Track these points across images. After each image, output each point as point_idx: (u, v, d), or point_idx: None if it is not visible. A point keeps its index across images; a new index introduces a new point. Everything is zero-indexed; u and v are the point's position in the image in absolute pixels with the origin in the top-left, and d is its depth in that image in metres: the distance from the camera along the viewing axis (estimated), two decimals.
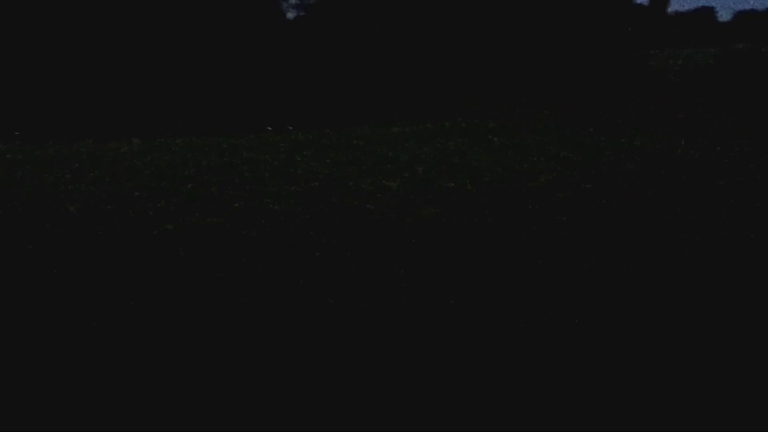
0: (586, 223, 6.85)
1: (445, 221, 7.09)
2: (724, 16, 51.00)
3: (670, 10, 25.96)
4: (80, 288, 5.44)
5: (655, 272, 5.37)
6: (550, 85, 21.05)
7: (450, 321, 4.64)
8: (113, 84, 21.51)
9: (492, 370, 4.01)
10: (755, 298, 4.86)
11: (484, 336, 4.42)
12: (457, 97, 20.67)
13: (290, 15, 24.65)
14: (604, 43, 22.45)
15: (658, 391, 3.68)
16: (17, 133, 15.57)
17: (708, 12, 53.85)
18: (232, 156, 11.40)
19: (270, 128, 16.95)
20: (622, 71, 22.49)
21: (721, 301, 4.81)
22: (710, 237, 6.27)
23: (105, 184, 9.17)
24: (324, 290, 5.23)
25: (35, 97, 21.05)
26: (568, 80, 21.47)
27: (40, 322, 4.93)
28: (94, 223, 7.24)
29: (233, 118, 19.71)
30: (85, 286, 5.46)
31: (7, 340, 4.73)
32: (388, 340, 4.38)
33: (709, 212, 7.09)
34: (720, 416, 3.48)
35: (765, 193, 7.80)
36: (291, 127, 16.60)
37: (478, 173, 9.34)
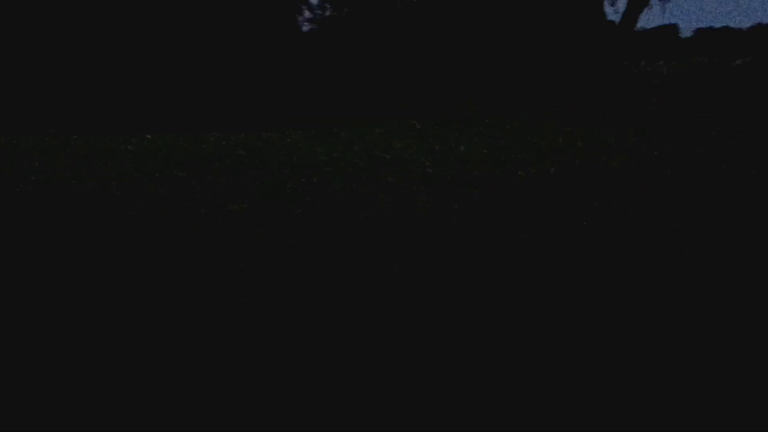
0: (562, 210, 7.12)
1: (439, 211, 7.22)
2: (686, 32, 52.96)
3: (638, 26, 27.21)
4: None
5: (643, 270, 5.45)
6: (537, 91, 22.03)
7: (449, 320, 4.64)
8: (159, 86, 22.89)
9: (491, 369, 4.00)
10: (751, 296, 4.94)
11: (483, 334, 4.42)
12: (455, 100, 21.91)
13: (305, 28, 26.48)
14: (583, 54, 23.54)
15: (658, 390, 3.69)
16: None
17: (672, 28, 55.14)
18: (248, 150, 11.74)
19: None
20: (598, 80, 23.50)
21: (720, 301, 4.87)
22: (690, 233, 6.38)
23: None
24: (323, 289, 5.20)
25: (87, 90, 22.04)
26: (552, 88, 22.47)
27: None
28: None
29: (252, 117, 20.41)
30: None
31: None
32: (387, 340, 4.39)
33: (689, 208, 7.29)
34: (720, 416, 3.46)
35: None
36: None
37: (471, 165, 9.79)
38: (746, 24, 72.11)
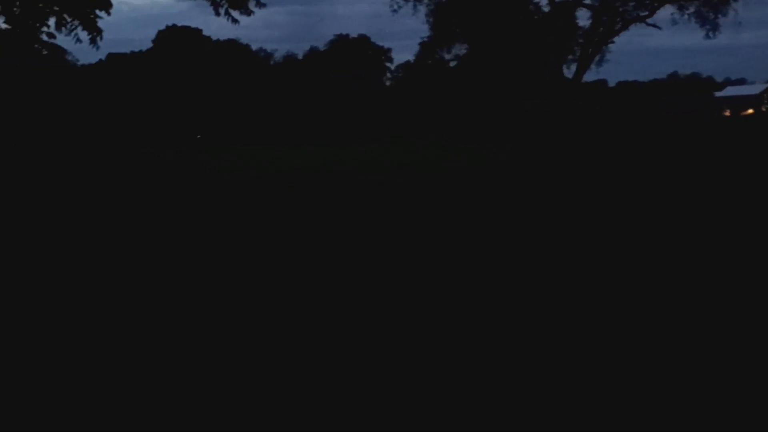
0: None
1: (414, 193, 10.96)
2: (612, 84, 77.98)
3: (582, 80, 44.42)
4: None
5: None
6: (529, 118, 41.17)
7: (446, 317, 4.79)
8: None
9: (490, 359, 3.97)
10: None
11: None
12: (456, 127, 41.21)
13: (388, 83, 52.97)
14: (550, 97, 42.43)
15: (658, 390, 3.55)
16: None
17: (603, 81, 77.32)
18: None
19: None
20: (559, 112, 42.11)
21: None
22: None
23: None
24: (323, 289, 5.46)
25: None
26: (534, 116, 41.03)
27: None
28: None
29: (351, 136, 39.54)
30: None
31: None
32: (387, 341, 4.34)
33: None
34: (720, 416, 3.28)
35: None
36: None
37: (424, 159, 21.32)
38: (648, 78, 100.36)
